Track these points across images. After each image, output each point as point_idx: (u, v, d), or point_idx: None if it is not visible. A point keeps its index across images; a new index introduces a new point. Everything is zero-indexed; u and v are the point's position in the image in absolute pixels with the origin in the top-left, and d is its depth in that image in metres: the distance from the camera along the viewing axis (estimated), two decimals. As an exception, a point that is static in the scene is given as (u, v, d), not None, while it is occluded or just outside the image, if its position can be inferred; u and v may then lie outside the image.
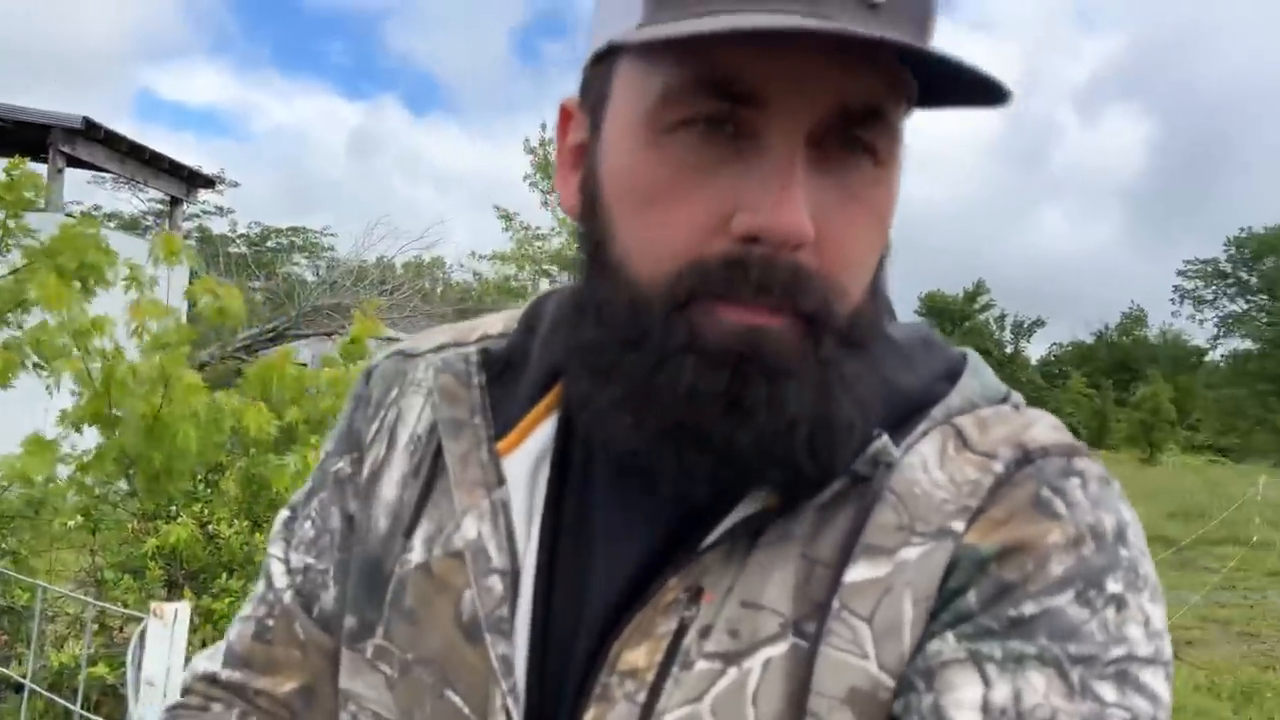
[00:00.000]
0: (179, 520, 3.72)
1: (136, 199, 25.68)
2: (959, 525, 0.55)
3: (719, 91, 0.51)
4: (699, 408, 0.52)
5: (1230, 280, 55.84)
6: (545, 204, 22.32)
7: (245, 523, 3.77)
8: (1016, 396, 0.63)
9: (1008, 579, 0.52)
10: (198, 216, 28.46)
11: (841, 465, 0.55)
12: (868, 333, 0.56)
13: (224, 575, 3.64)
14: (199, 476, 4.10)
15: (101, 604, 2.38)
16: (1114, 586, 0.52)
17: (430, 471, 0.67)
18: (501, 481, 0.63)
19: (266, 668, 0.72)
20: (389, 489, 0.69)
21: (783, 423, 0.52)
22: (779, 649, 0.54)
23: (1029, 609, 0.51)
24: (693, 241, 0.52)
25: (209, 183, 16.92)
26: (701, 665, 0.55)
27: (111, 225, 18.61)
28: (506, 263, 22.50)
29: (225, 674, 0.73)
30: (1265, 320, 52.47)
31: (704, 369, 0.51)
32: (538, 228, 22.54)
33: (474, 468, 0.64)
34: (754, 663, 0.54)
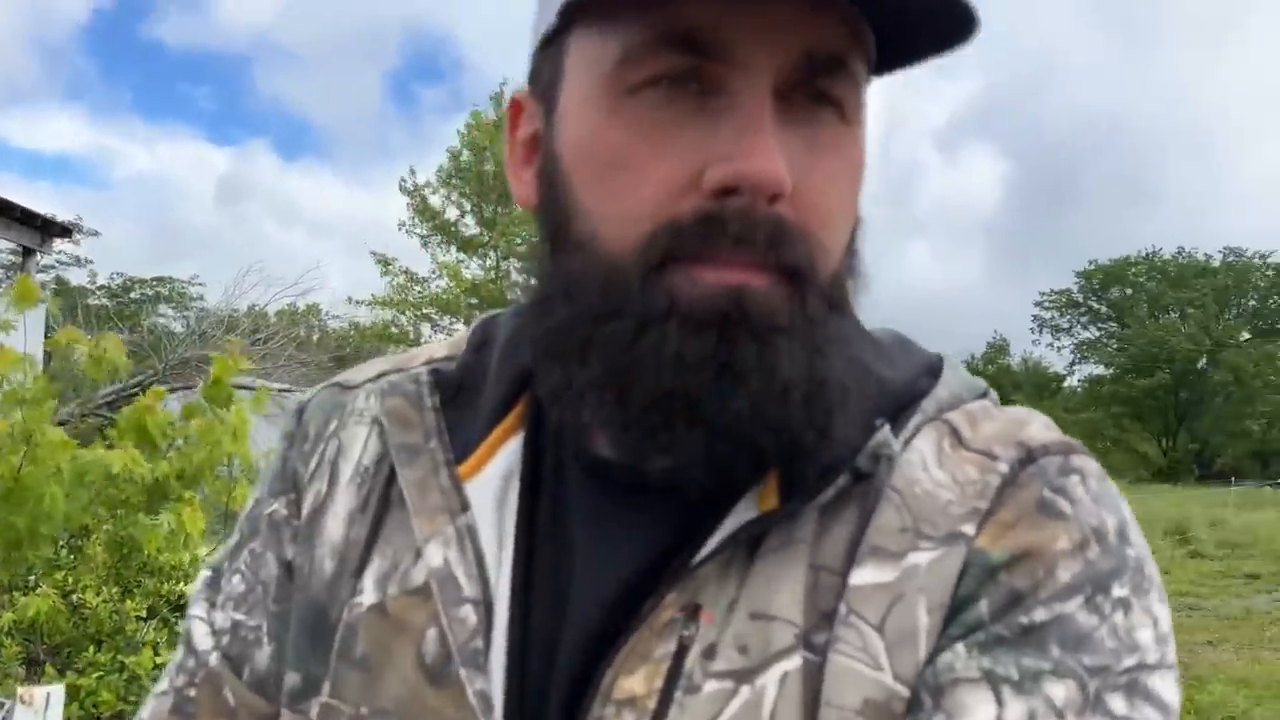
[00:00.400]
0: (38, 591, 3.49)
1: (-16, 251, 24.22)
2: (969, 529, 0.53)
3: (683, 45, 0.49)
4: (686, 375, 0.49)
5: (1083, 309, 58.99)
6: (425, 246, 22.11)
7: (114, 589, 3.57)
8: (993, 394, 0.62)
9: (1018, 586, 0.51)
10: (53, 268, 26.99)
11: (838, 433, 0.52)
12: (846, 299, 0.55)
13: (92, 648, 3.42)
14: (61, 542, 3.86)
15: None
16: (1120, 590, 0.51)
17: (380, 505, 0.63)
18: (466, 507, 0.59)
19: None
20: (334, 528, 0.63)
21: (777, 385, 0.49)
22: (794, 662, 0.51)
23: (1040, 615, 0.50)
24: (664, 202, 0.50)
25: (65, 231, 16.08)
26: (710, 686, 0.51)
27: (-44, 279, 17.49)
28: (386, 308, 22.11)
29: None
30: (1115, 346, 55.63)
31: (688, 334, 0.49)
32: (416, 272, 22.27)
33: (434, 494, 0.60)
34: (768, 679, 0.51)
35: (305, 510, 0.66)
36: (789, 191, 0.49)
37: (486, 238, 21.90)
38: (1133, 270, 56.14)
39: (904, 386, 0.59)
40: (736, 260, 0.49)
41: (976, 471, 0.55)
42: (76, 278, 28.53)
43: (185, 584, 3.96)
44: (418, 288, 22.27)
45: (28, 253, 14.69)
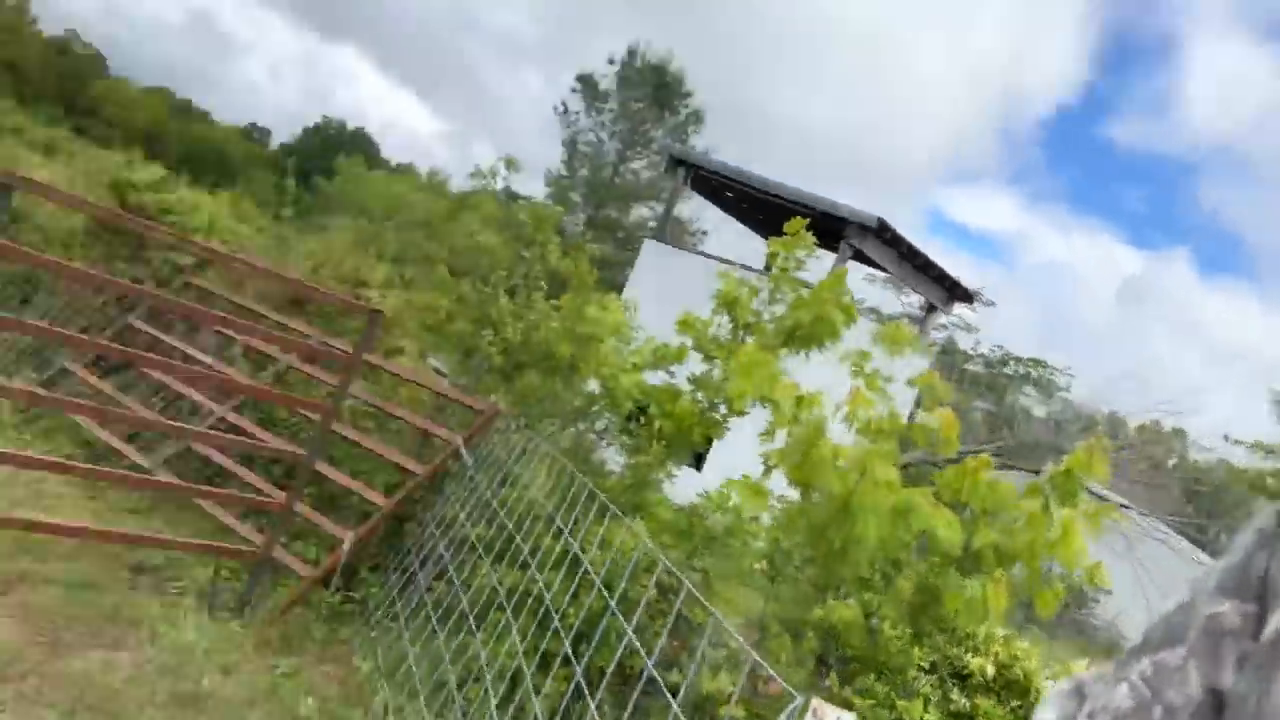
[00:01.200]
0: (847, 602, 3.70)
1: (898, 301, 27.80)
2: None
3: None
4: None
5: None
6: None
7: (908, 630, 3.61)
8: None
9: None
10: (946, 328, 29.68)
11: None
12: None
13: (873, 677, 3.51)
14: (875, 566, 4.06)
15: (759, 661, 2.39)
16: None
17: None
18: None
19: None
20: None
21: None
22: None
23: None
24: None
25: (967, 297, 17.49)
26: None
27: (871, 318, 20.37)
28: (1270, 455, 19.16)
29: None
30: None
31: None
32: None
33: None
34: None
35: (1270, 631, 0.43)
36: None
37: None
38: None
39: None
40: None
41: None
42: (964, 343, 30.91)
43: (971, 656, 3.84)
44: None
45: (930, 309, 16.39)
